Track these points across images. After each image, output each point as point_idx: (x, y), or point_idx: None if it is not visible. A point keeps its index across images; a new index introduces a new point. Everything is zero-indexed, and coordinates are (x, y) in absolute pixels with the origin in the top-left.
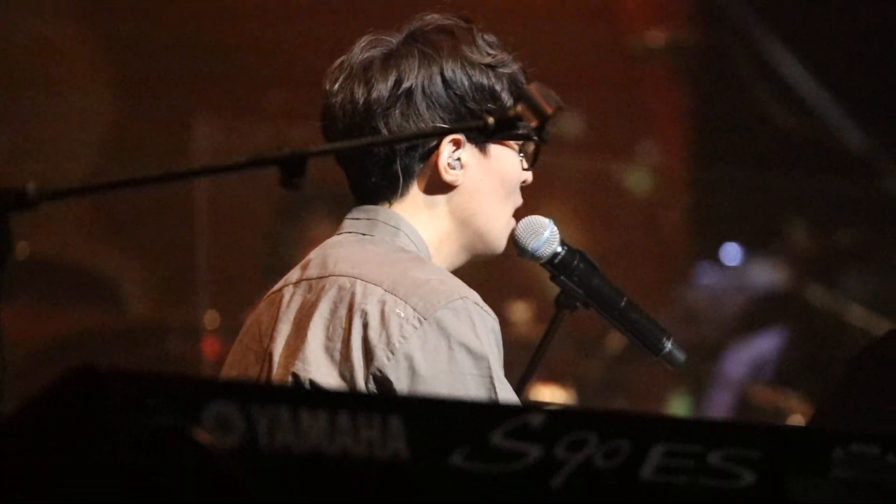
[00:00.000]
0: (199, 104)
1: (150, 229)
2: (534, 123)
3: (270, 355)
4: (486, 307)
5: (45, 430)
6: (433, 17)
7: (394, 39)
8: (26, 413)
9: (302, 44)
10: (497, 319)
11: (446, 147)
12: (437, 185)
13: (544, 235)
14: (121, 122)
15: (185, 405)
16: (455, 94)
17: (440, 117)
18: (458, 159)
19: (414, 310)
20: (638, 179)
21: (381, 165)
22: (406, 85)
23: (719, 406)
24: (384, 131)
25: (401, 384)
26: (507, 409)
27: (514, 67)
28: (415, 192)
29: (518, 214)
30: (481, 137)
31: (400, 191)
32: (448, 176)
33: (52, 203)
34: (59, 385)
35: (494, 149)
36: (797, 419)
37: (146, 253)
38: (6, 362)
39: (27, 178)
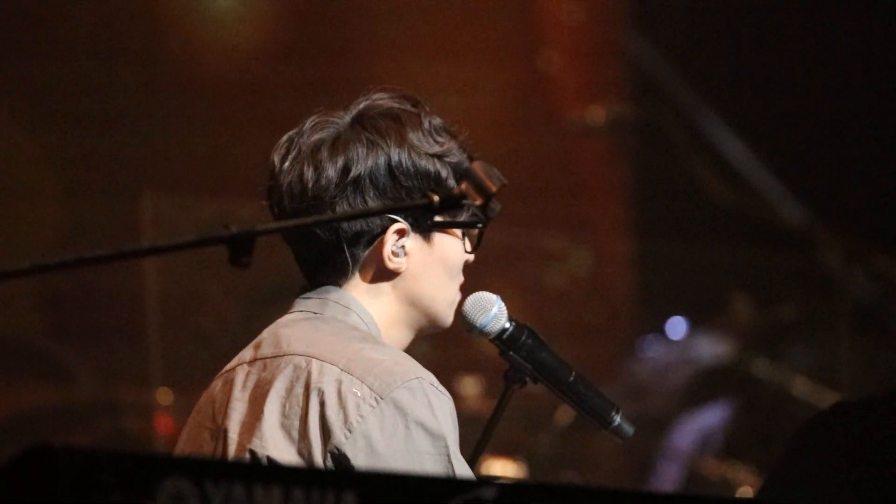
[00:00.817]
0: (147, 180)
1: (101, 306)
2: (478, 201)
3: (225, 432)
4: (442, 388)
5: None
6: (381, 98)
7: (341, 121)
8: None
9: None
10: (452, 400)
11: (391, 236)
12: (382, 273)
13: (492, 311)
14: (68, 199)
15: (140, 482)
16: (401, 184)
17: (385, 203)
18: (403, 247)
19: (370, 389)
20: (582, 255)
21: (328, 251)
22: (353, 173)
23: (668, 478)
24: (330, 211)
25: (358, 462)
26: (460, 483)
27: (460, 156)
28: (361, 277)
29: (465, 290)
30: (427, 217)
31: (347, 275)
32: (392, 264)
33: (3, 282)
34: (14, 463)
35: (437, 234)
36: (746, 491)
37: (98, 330)
38: None
39: None
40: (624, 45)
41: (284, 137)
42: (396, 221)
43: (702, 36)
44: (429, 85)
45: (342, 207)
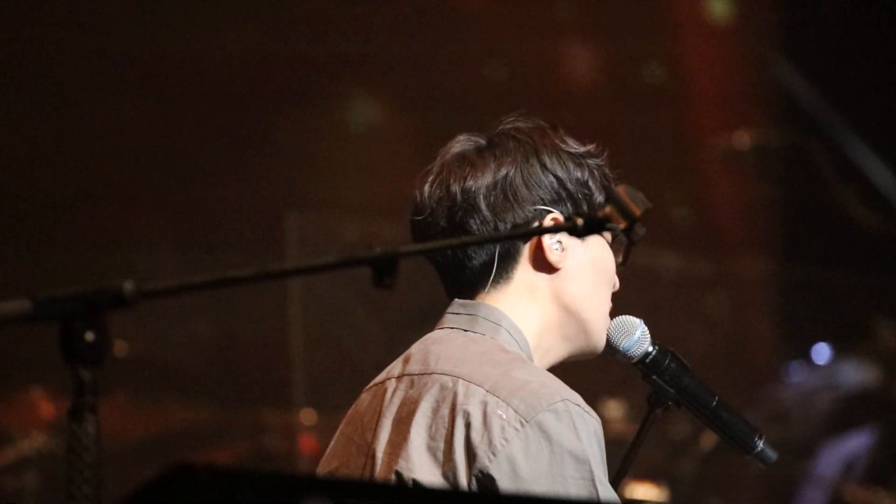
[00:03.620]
0: (290, 197)
1: (244, 326)
2: (622, 225)
3: (374, 452)
4: (588, 409)
5: None
6: (518, 120)
7: (483, 139)
8: None
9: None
10: (599, 420)
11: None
12: (540, 267)
13: (636, 335)
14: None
15: (282, 502)
16: (554, 176)
17: (540, 198)
18: (559, 242)
19: (516, 412)
20: (728, 279)
21: (483, 248)
22: (505, 170)
23: None
24: (486, 213)
25: (503, 485)
26: None
27: (601, 161)
28: (516, 275)
29: (609, 315)
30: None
31: (500, 276)
32: (552, 255)
33: (148, 301)
34: (157, 482)
35: (592, 238)
36: None
37: (241, 350)
38: (103, 458)
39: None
40: (771, 69)
41: (425, 168)
42: (551, 212)
43: (848, 59)
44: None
45: (497, 200)
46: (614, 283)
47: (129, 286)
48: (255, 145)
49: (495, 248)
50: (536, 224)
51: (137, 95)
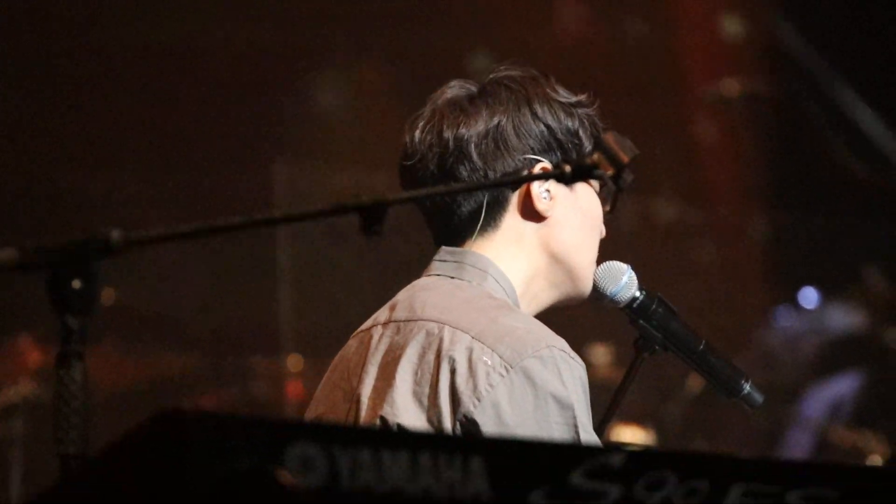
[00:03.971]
0: (280, 148)
1: (233, 274)
2: (610, 171)
3: (359, 397)
4: (574, 354)
5: (131, 473)
6: (510, 69)
7: (475, 86)
8: (112, 456)
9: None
10: (584, 366)
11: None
12: (528, 214)
13: (623, 281)
14: (201, 167)
15: (269, 447)
16: (545, 125)
17: (530, 147)
18: (548, 190)
19: (501, 358)
20: (714, 225)
21: (471, 196)
22: (496, 119)
23: (797, 446)
24: (477, 161)
25: (487, 430)
26: (587, 450)
27: (591, 110)
28: (504, 223)
29: (597, 260)
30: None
31: (488, 224)
32: (541, 204)
33: (136, 249)
34: (145, 428)
35: (580, 186)
36: (876, 459)
37: (229, 298)
38: (91, 406)
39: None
40: (760, 17)
41: (415, 113)
42: (541, 161)
43: (838, 8)
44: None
45: (489, 149)
46: (601, 230)
47: (116, 234)
48: (245, 96)
49: (484, 196)
50: (526, 173)
51: (129, 47)
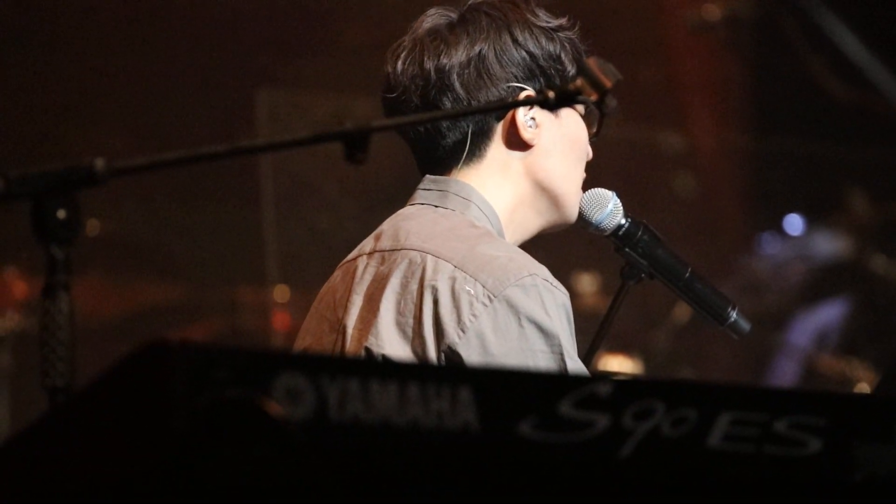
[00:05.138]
0: (263, 76)
1: (217, 204)
2: (593, 97)
3: (344, 328)
4: (556, 282)
5: (117, 404)
6: None
7: (455, 13)
8: (99, 387)
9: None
10: (567, 294)
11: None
12: (514, 144)
13: (608, 208)
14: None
15: (256, 377)
16: (526, 51)
17: (513, 75)
18: (533, 119)
19: (484, 287)
20: (698, 151)
21: (455, 126)
22: (478, 47)
23: (785, 374)
24: (460, 91)
25: (472, 360)
26: (575, 380)
27: (572, 34)
28: (489, 153)
29: (582, 187)
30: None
31: (472, 153)
32: (526, 133)
33: (120, 178)
34: (131, 359)
35: (564, 112)
36: (863, 387)
37: (215, 228)
38: (76, 338)
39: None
40: None
41: (396, 42)
42: (525, 90)
43: None
44: None
45: (471, 78)
46: (588, 153)
47: (100, 163)
48: (225, 24)
49: (468, 126)
50: (510, 101)
51: None
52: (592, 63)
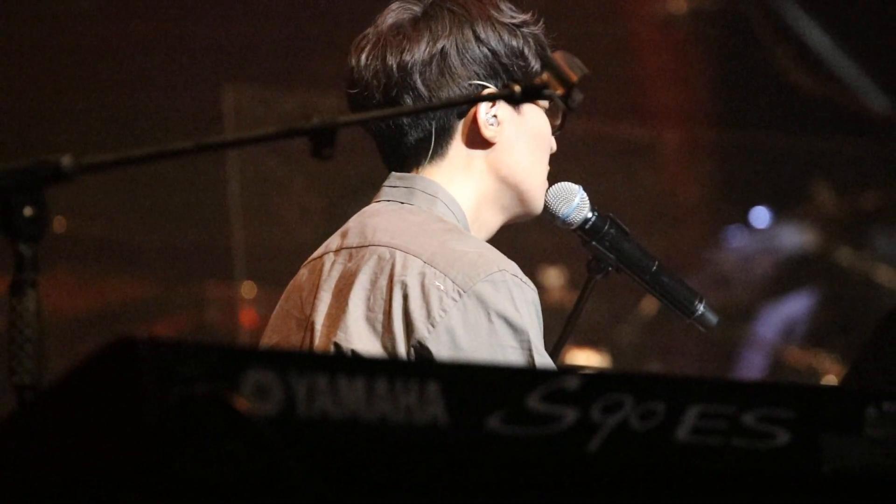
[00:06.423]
0: (229, 71)
1: (184, 200)
2: (559, 91)
3: (312, 324)
4: (525, 278)
5: (85, 401)
6: None
7: (418, 7)
8: (66, 384)
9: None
10: (536, 290)
11: (483, 104)
12: (476, 142)
13: (574, 202)
14: (149, 90)
15: (224, 373)
16: (489, 49)
17: (475, 73)
18: (495, 116)
19: (453, 282)
20: (664, 144)
21: (418, 125)
22: (440, 44)
23: (752, 367)
24: (422, 89)
25: (441, 356)
26: (543, 374)
27: (536, 29)
28: (452, 151)
29: (548, 181)
30: (513, 101)
31: (436, 152)
32: (488, 132)
33: (87, 175)
34: (98, 355)
35: (527, 107)
36: (830, 379)
37: (181, 224)
38: (44, 334)
39: (62, 149)
40: None
41: (362, 33)
42: (486, 87)
43: None
44: None
45: (432, 76)
46: (552, 146)
47: (67, 160)
48: (192, 20)
49: (431, 125)
50: (474, 96)
51: None
52: (559, 57)
